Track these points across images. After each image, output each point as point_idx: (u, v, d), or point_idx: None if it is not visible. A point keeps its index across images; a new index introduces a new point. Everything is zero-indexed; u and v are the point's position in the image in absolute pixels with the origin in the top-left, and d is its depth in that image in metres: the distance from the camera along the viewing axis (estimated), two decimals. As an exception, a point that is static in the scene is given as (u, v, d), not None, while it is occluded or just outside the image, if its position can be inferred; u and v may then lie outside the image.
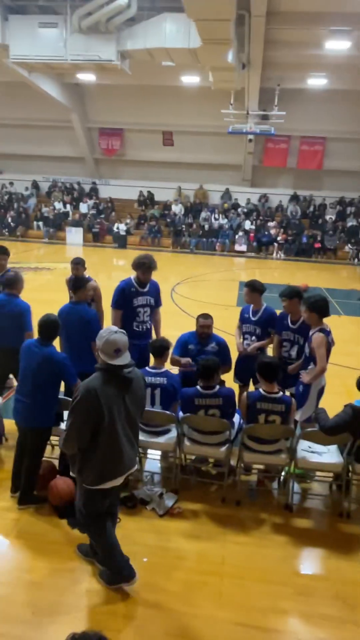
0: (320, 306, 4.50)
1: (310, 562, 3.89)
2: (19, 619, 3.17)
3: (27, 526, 3.98)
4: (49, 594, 3.37)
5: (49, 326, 4.13)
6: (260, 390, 4.29)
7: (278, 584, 3.58)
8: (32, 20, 13.15)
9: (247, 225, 21.81)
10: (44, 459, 4.33)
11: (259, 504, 4.43)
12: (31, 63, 14.03)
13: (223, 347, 5.07)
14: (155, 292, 5.35)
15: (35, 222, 22.76)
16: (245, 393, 4.40)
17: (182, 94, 19.73)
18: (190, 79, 17.40)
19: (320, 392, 4.66)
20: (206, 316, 5.10)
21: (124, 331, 3.23)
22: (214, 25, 9.55)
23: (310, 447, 4.44)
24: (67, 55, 13.13)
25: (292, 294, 4.95)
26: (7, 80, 18.37)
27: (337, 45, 12.58)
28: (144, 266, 5.13)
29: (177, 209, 22.93)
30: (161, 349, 4.65)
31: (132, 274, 5.31)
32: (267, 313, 5.25)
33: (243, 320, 5.37)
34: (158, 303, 5.41)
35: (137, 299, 5.17)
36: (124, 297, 5.15)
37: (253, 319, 5.27)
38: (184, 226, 21.95)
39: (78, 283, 5.08)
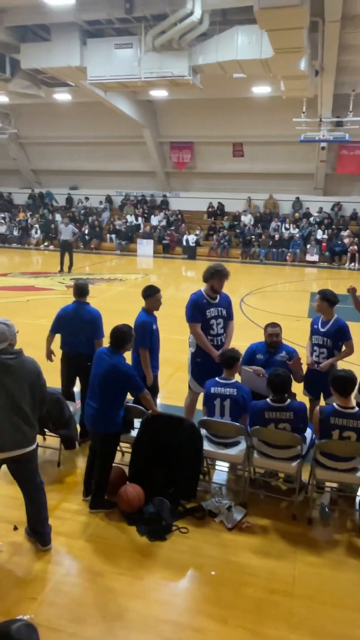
0: None
1: (389, 589, 3.65)
2: (90, 622, 3.24)
3: (97, 530, 4.07)
4: (119, 599, 3.41)
5: (117, 336, 4.22)
6: (335, 404, 4.13)
7: (353, 610, 3.39)
8: (108, 42, 13.72)
9: (319, 234, 21.25)
10: (114, 464, 4.42)
11: (333, 524, 4.25)
12: (107, 83, 14.63)
13: (292, 356, 4.95)
14: (226, 303, 5.23)
15: (108, 235, 23.58)
16: (318, 407, 4.25)
17: (253, 105, 19.68)
18: (261, 90, 17.32)
19: None
20: (274, 325, 5.02)
21: (8, 323, 3.60)
22: (286, 34, 9.43)
23: (388, 467, 4.19)
24: (141, 73, 13.53)
25: None
26: (84, 100, 19.28)
27: None
28: (220, 274, 5.01)
29: (246, 219, 22.82)
30: (231, 360, 4.61)
31: (202, 286, 5.22)
32: (337, 325, 4.99)
33: (313, 331, 5.16)
34: (230, 315, 5.26)
35: (209, 311, 5.05)
36: (198, 309, 5.04)
37: (322, 330, 5.03)
38: (253, 236, 21.78)
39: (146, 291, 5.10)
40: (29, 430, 3.61)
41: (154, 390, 5.03)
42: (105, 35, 13.96)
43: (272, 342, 4.97)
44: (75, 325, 5.16)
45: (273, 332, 4.98)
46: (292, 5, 7.94)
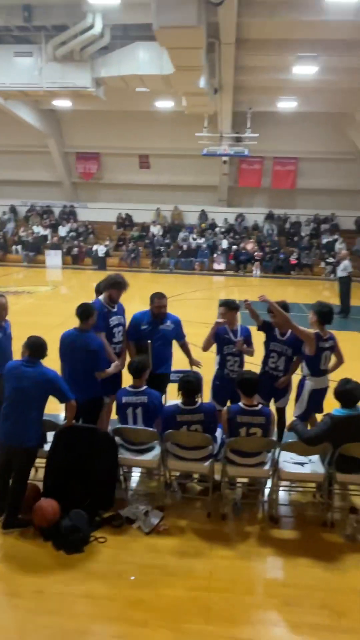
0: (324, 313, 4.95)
1: (296, 572, 3.91)
2: (6, 645, 3.14)
3: (11, 550, 3.94)
4: (38, 617, 3.34)
5: (41, 346, 4.22)
6: (240, 404, 4.38)
7: (265, 595, 3.62)
8: (7, 49, 13.38)
9: (225, 244, 22.15)
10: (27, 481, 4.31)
11: (245, 517, 4.47)
12: (7, 91, 14.24)
13: (178, 324, 5.31)
14: (122, 311, 5.27)
15: (14, 247, 22.74)
16: (225, 407, 4.48)
17: (157, 118, 20.14)
18: (164, 104, 17.80)
19: (315, 393, 4.92)
20: (161, 296, 5.22)
21: None
22: (185, 53, 9.84)
23: (292, 459, 4.51)
24: (43, 82, 13.35)
25: (283, 308, 5.05)
26: (-17, 107, 18.54)
27: (304, 70, 13.03)
28: (119, 285, 5.08)
29: (155, 229, 23.18)
30: (139, 369, 4.68)
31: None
32: (244, 330, 5.22)
33: (223, 341, 5.18)
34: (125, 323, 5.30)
35: (112, 319, 5.09)
36: (102, 317, 5.00)
37: (234, 339, 5.14)
38: (162, 247, 22.18)
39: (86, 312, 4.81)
40: None
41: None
42: (3, 42, 13.59)
43: (160, 313, 5.19)
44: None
45: (160, 304, 5.18)
46: (189, 26, 8.31)
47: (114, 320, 5.10)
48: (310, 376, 4.97)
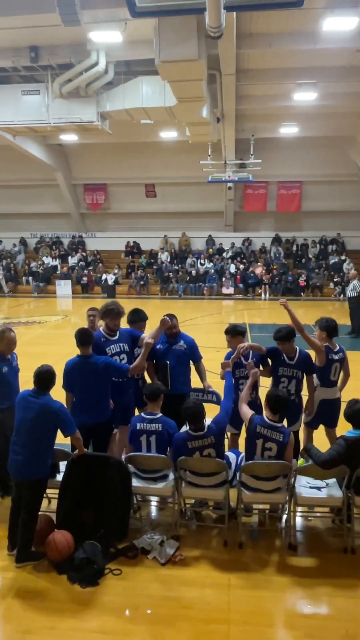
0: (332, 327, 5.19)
1: (318, 602, 3.78)
2: None
3: (26, 584, 3.87)
4: (51, 654, 3.25)
5: (45, 376, 4.18)
6: (264, 416, 4.36)
7: (286, 627, 3.49)
8: (15, 89, 13.86)
9: (232, 268, 22.27)
10: (40, 512, 4.25)
11: (262, 545, 4.35)
12: (15, 128, 14.69)
13: (191, 345, 5.36)
14: (126, 338, 5.16)
15: (24, 278, 23.07)
16: (250, 416, 4.40)
17: (162, 148, 20.58)
18: (168, 134, 18.20)
19: (324, 404, 5.05)
20: (171, 316, 5.24)
21: None
22: (186, 85, 10.11)
23: (308, 483, 4.42)
24: (50, 119, 13.76)
25: (289, 336, 5.00)
26: (-7, 144, 19.09)
27: (304, 97, 13.35)
28: (112, 312, 5.04)
29: (163, 256, 23.41)
30: (156, 393, 4.62)
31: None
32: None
33: (234, 365, 5.09)
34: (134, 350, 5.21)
35: (109, 348, 5.00)
36: (97, 347, 4.89)
37: (244, 362, 5.09)
38: (171, 273, 22.35)
39: (87, 338, 4.74)
40: None
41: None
42: (11, 82, 14.08)
43: (171, 333, 5.25)
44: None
45: (172, 325, 5.20)
46: (190, 59, 8.56)
47: (112, 348, 5.01)
48: (320, 387, 5.11)
